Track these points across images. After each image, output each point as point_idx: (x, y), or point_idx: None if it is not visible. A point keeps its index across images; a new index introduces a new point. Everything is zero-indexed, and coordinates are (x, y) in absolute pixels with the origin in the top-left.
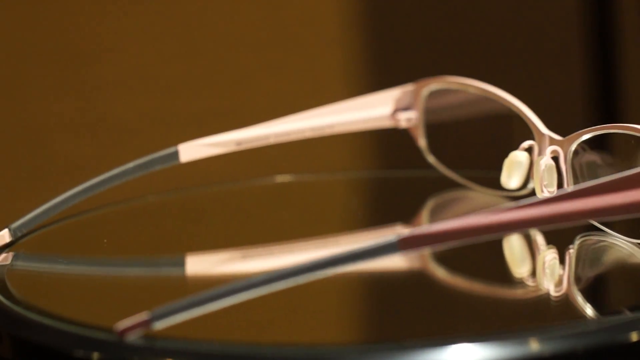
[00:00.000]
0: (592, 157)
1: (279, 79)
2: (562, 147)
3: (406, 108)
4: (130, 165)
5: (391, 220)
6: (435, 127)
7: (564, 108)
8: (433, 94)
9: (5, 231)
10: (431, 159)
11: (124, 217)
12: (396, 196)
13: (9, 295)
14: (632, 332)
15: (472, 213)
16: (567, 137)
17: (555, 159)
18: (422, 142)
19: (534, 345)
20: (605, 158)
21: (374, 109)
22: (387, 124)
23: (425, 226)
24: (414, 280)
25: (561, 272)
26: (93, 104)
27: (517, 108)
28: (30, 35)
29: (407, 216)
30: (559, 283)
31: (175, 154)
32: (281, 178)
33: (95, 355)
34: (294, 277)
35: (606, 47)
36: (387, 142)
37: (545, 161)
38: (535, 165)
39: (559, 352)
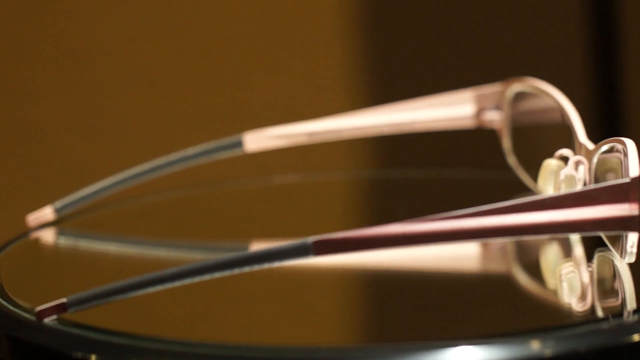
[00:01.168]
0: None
1: (279, 79)
2: (587, 157)
3: (492, 108)
4: (192, 151)
5: (390, 220)
6: (517, 129)
7: None
8: (517, 96)
9: (49, 209)
10: (512, 160)
11: (140, 214)
12: (396, 195)
13: (5, 297)
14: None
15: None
16: (594, 147)
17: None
18: (506, 143)
19: (535, 347)
20: None
21: (455, 108)
22: (469, 123)
23: (341, 232)
24: (414, 281)
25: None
26: (93, 104)
27: (566, 113)
28: (30, 35)
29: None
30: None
31: (239, 143)
32: (281, 178)
33: (93, 356)
34: (205, 274)
35: (608, 47)
36: (387, 141)
37: (565, 171)
38: (555, 175)
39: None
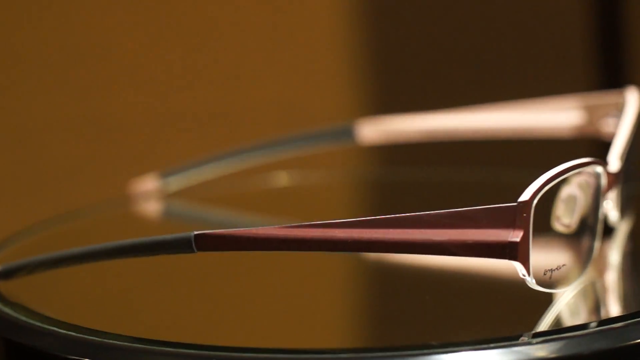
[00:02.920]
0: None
1: (279, 79)
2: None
3: (609, 116)
4: (297, 134)
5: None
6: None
7: None
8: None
9: (154, 177)
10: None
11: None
12: (396, 195)
13: (1, 299)
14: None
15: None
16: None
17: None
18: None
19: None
20: None
21: (566, 114)
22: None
23: (225, 229)
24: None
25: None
26: (92, 104)
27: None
28: (30, 35)
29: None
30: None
31: (350, 132)
32: (281, 175)
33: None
34: (93, 259)
35: (611, 47)
36: None
37: (567, 190)
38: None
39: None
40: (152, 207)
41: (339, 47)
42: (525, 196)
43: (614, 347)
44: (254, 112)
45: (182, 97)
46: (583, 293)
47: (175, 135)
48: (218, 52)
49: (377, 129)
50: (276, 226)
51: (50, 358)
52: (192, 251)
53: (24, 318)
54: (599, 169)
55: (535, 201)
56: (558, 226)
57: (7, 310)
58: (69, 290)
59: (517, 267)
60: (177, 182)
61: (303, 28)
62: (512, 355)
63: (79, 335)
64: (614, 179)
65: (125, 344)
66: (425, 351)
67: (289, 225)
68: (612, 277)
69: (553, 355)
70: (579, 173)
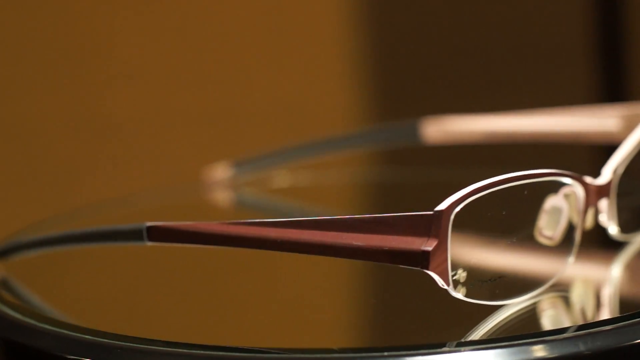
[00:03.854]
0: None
1: (279, 78)
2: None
3: None
4: (361, 131)
5: None
6: None
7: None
8: None
9: (227, 165)
10: None
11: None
12: (396, 194)
13: (1, 299)
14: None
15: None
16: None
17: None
18: None
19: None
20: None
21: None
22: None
23: (176, 222)
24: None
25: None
26: (92, 104)
27: None
28: (29, 35)
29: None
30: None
31: (415, 131)
32: (281, 174)
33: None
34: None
35: (612, 46)
36: None
37: (552, 200)
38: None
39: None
40: (222, 196)
41: (342, 47)
42: (442, 205)
43: (614, 347)
44: (255, 112)
45: (182, 98)
46: (534, 306)
47: (176, 136)
48: (219, 52)
49: (440, 128)
50: (217, 222)
51: (50, 358)
52: (144, 242)
53: (24, 318)
54: (568, 180)
55: (454, 211)
56: (540, 238)
57: (7, 310)
58: (69, 290)
59: (432, 276)
60: (248, 172)
61: (305, 28)
62: (511, 356)
63: (79, 335)
64: (598, 191)
65: (125, 344)
66: (424, 351)
67: (227, 222)
68: (577, 292)
69: (553, 355)
70: (559, 184)
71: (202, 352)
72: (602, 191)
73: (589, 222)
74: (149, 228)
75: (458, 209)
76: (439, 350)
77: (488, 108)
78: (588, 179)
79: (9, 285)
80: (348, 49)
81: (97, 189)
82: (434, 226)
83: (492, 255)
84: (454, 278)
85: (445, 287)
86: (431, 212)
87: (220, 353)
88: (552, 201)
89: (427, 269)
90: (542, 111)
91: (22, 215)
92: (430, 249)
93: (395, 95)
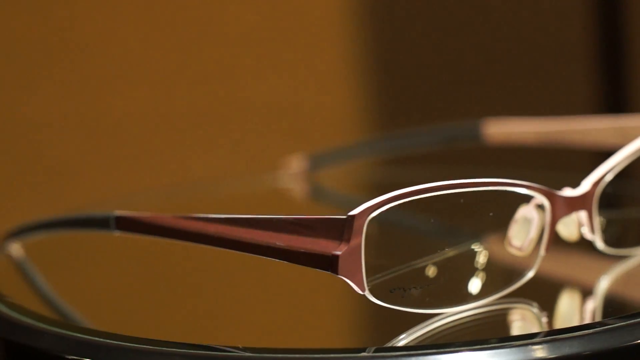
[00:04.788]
0: None
1: (279, 77)
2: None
3: None
4: (422, 130)
5: None
6: None
7: (571, 110)
8: None
9: (303, 159)
10: None
11: None
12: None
13: (1, 299)
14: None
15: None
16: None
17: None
18: None
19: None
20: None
21: None
22: None
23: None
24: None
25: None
26: (92, 104)
27: None
28: (29, 35)
29: None
30: None
31: (477, 131)
32: (281, 174)
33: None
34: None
35: (614, 45)
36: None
37: (523, 211)
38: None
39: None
40: (297, 187)
41: (342, 47)
42: (356, 210)
43: (614, 347)
44: (256, 112)
45: (182, 97)
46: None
47: (176, 135)
48: (219, 52)
49: (502, 130)
50: (171, 215)
51: (50, 358)
52: (112, 230)
53: (24, 318)
54: (524, 191)
55: (369, 217)
56: (509, 248)
57: (7, 310)
58: (69, 290)
59: (346, 280)
60: (325, 165)
61: (305, 28)
62: (508, 356)
63: (79, 335)
64: (572, 203)
65: (125, 344)
66: (423, 351)
67: (178, 215)
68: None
69: (553, 355)
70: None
71: (203, 352)
72: (578, 203)
73: (573, 235)
74: (118, 218)
75: (374, 214)
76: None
77: (488, 108)
78: (563, 191)
79: (10, 285)
80: (348, 49)
81: (97, 190)
82: (346, 231)
83: (428, 262)
84: (375, 283)
85: (361, 292)
86: (344, 217)
87: (220, 353)
88: (523, 211)
89: (337, 274)
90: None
91: (22, 214)
92: (339, 253)
93: (396, 96)
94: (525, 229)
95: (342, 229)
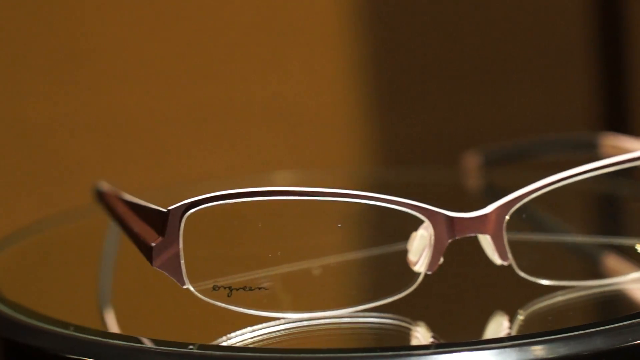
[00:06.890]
0: None
1: (279, 77)
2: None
3: None
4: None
5: None
6: None
7: (572, 110)
8: None
9: (476, 153)
10: None
11: None
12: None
13: (1, 299)
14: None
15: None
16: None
17: None
18: None
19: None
20: None
21: None
22: None
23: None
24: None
25: None
26: (92, 104)
27: None
28: (29, 35)
29: None
30: None
31: (595, 144)
32: (282, 174)
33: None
34: None
35: (613, 45)
36: (388, 138)
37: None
38: None
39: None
40: (471, 182)
41: (342, 48)
42: (174, 205)
43: (614, 347)
44: (256, 112)
45: (182, 97)
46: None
47: (176, 135)
48: (219, 52)
49: (618, 144)
50: (118, 196)
51: (50, 358)
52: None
53: (24, 318)
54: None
55: (187, 213)
56: (408, 261)
57: (7, 310)
58: (69, 290)
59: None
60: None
61: (305, 28)
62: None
63: (79, 335)
64: (466, 226)
65: (125, 343)
66: (423, 351)
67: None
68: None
69: (552, 355)
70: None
71: (203, 352)
72: (475, 226)
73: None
74: (99, 193)
75: (192, 211)
76: None
77: (488, 108)
78: (456, 212)
79: (10, 285)
80: (348, 50)
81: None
82: (164, 224)
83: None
84: (202, 280)
85: (182, 286)
86: (165, 210)
87: (220, 353)
88: (421, 228)
89: (152, 264)
90: None
91: (23, 214)
92: (153, 244)
93: (396, 96)
94: (421, 245)
95: (162, 222)
